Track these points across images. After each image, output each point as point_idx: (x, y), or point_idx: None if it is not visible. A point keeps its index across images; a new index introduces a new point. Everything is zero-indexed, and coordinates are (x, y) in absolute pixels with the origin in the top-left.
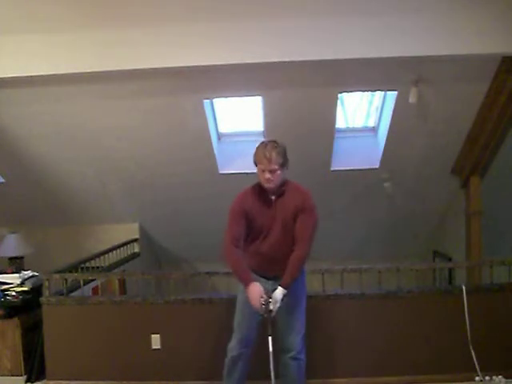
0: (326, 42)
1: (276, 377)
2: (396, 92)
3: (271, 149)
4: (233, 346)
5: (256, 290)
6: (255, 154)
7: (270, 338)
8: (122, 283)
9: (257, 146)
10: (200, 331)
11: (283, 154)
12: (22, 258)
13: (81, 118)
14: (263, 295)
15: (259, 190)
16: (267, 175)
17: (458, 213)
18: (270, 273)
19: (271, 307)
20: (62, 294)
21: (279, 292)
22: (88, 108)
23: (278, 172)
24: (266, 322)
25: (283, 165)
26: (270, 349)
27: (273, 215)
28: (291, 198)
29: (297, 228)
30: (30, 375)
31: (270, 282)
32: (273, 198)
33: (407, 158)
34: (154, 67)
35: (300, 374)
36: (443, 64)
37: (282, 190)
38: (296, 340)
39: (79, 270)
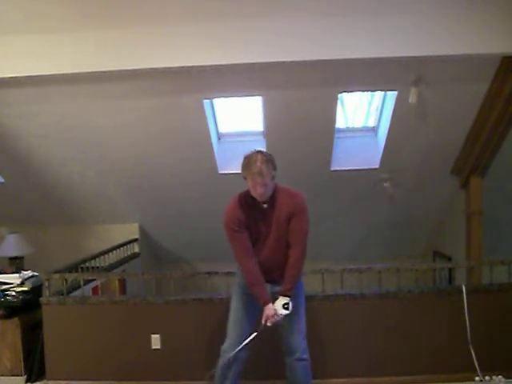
0: (326, 42)
1: (283, 378)
2: (396, 92)
3: (261, 163)
4: (228, 349)
5: (270, 312)
6: (245, 170)
7: (255, 333)
8: (122, 283)
9: (243, 160)
10: (200, 331)
11: (272, 163)
12: (22, 258)
13: (81, 117)
14: (277, 316)
15: (250, 200)
16: (260, 190)
17: (458, 213)
18: (268, 277)
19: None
20: (62, 294)
21: (282, 302)
22: (88, 108)
23: (270, 183)
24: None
25: (274, 175)
26: (252, 336)
27: (267, 223)
28: (283, 203)
29: (290, 232)
30: (29, 375)
31: (269, 285)
32: (265, 206)
33: (407, 158)
34: (153, 67)
35: (307, 375)
36: (443, 64)
37: (273, 197)
38: (299, 341)
39: (79, 270)
